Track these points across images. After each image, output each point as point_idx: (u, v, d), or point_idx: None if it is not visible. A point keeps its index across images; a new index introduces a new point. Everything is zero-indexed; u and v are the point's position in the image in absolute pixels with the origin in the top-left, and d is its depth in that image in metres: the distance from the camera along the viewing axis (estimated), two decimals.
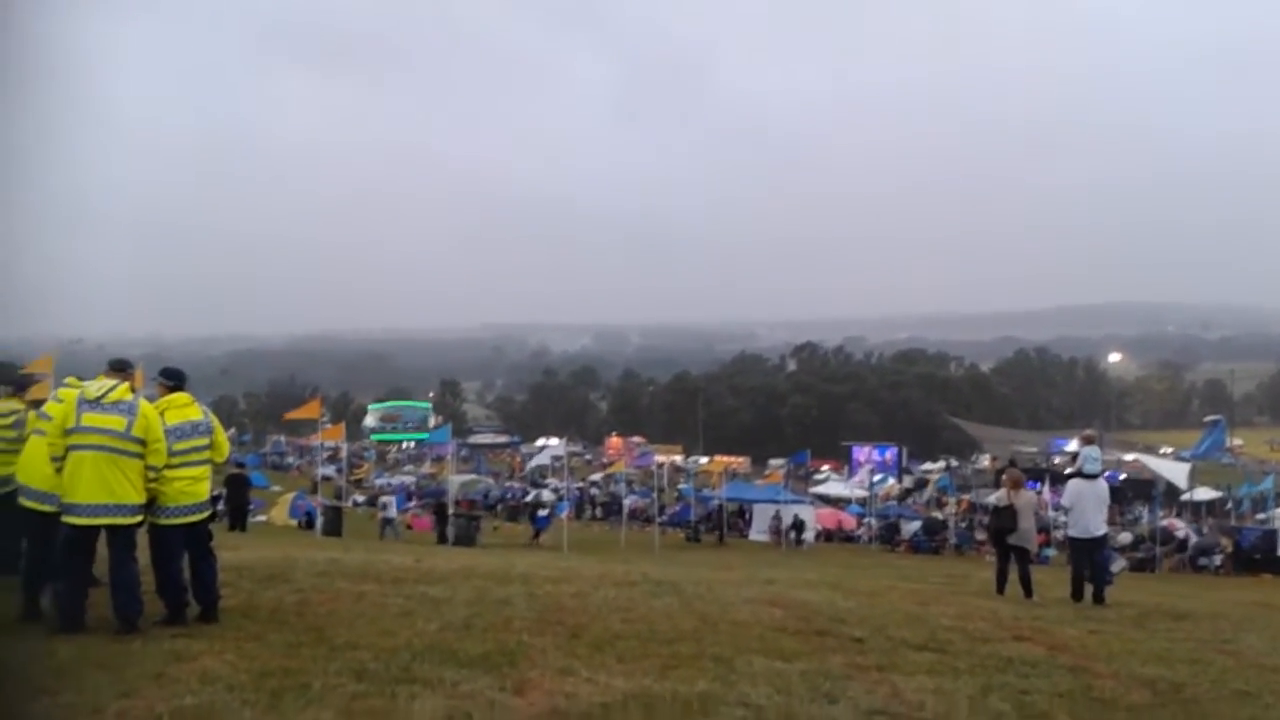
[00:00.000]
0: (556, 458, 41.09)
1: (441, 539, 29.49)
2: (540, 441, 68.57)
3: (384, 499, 35.29)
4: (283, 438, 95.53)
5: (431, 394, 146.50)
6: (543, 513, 36.76)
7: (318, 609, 8.35)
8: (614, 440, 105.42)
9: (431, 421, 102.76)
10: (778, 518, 40.00)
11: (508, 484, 58.40)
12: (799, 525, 38.87)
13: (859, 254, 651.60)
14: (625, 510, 41.27)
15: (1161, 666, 7.83)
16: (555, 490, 48.32)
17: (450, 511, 32.44)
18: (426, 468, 66.17)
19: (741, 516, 44.24)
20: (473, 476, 57.66)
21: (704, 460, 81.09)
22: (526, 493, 52.54)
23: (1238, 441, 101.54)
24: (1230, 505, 50.53)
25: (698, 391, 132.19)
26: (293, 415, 40.43)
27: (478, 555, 19.65)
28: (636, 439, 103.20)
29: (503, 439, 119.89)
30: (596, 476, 64.33)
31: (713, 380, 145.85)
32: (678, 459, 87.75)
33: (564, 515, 36.91)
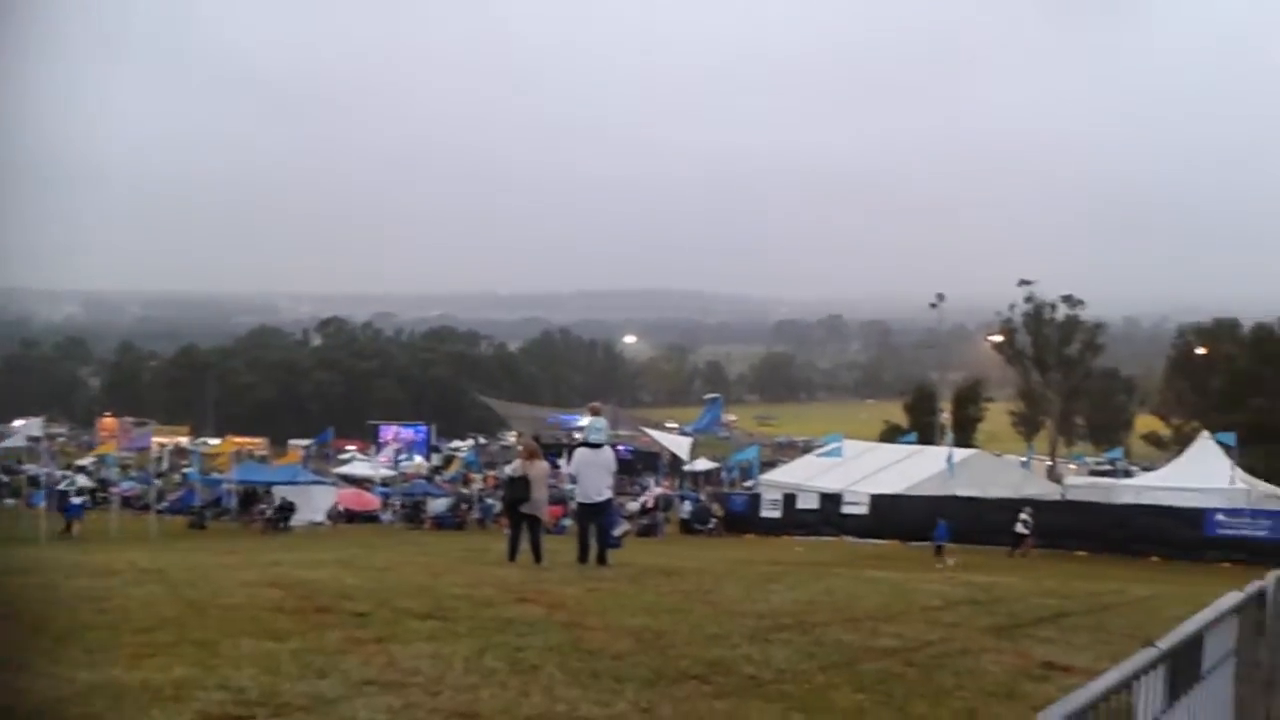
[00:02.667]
0: (33, 439, 36.19)
1: None
2: (18, 422, 60.05)
3: None
4: None
5: None
6: (76, 500, 32.69)
7: None
8: (107, 420, 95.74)
9: None
10: (268, 502, 37.94)
11: None
12: (286, 508, 36.93)
13: (391, 229, 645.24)
14: (117, 497, 37.48)
15: (647, 617, 8.36)
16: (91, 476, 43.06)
17: None
18: None
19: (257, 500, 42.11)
20: None
21: (214, 441, 76.21)
22: None
23: (732, 417, 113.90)
24: (724, 474, 56.30)
25: (208, 367, 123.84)
26: None
27: None
28: (134, 419, 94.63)
29: None
30: (85, 461, 58.14)
31: (226, 355, 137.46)
32: (183, 440, 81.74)
33: (41, 506, 32.64)
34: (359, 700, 5.32)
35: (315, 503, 39.15)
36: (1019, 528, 29.88)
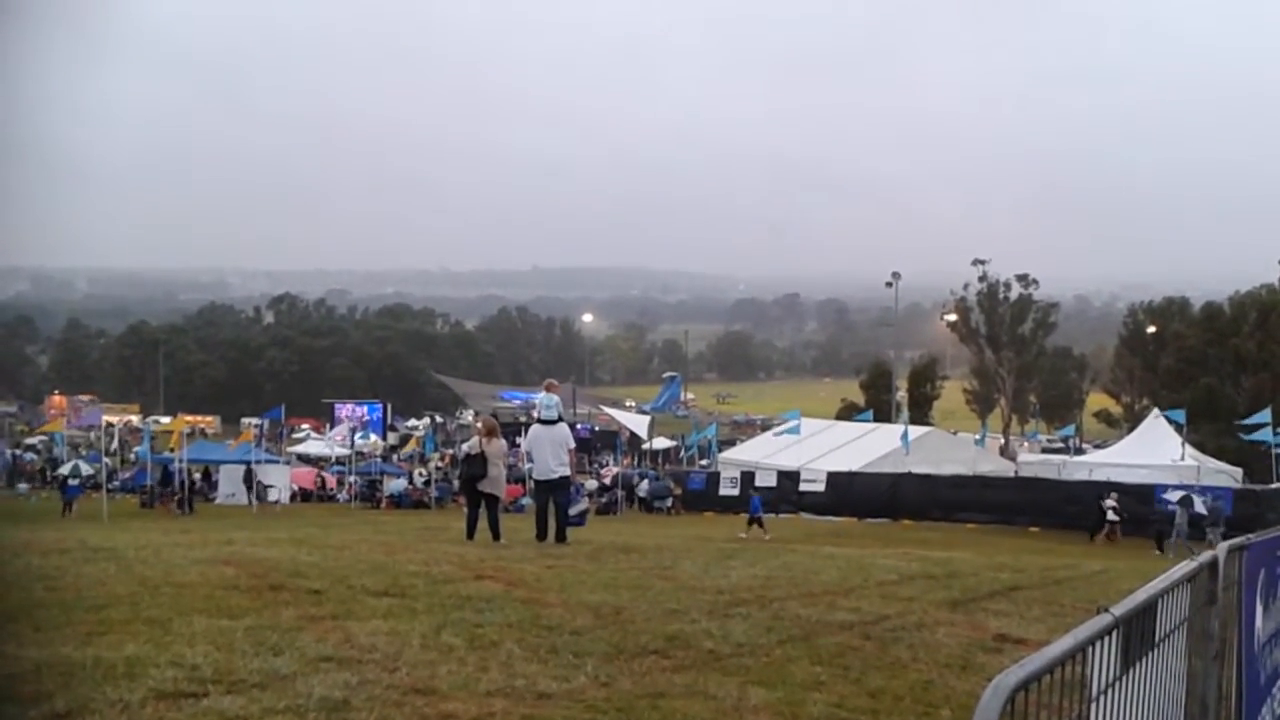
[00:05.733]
0: None
1: None
2: None
3: None
4: None
5: None
6: (74, 482, 32.47)
7: None
8: (56, 399, 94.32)
9: None
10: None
11: None
12: (191, 488, 35.94)
13: (343, 205, 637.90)
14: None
15: (607, 593, 8.35)
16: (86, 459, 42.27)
17: None
18: None
19: (207, 479, 41.60)
20: None
21: (165, 420, 75.31)
22: None
23: (691, 395, 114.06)
24: (683, 453, 56.41)
25: (158, 344, 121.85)
26: None
27: None
28: (84, 397, 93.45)
29: None
30: (34, 440, 57.28)
31: (176, 332, 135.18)
32: (133, 419, 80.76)
33: None
34: (315, 677, 5.26)
35: (272, 481, 38.80)
36: (1109, 514, 28.94)
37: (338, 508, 39.86)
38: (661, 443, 58.53)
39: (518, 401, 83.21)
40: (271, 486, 38.20)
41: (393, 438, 74.98)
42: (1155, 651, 2.99)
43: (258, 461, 39.26)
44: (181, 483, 35.55)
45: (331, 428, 75.62)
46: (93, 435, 47.92)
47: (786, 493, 37.23)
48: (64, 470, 35.94)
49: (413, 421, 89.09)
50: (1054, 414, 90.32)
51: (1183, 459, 33.62)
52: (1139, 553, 24.82)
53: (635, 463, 53.19)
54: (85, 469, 35.26)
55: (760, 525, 26.40)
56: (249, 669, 5.39)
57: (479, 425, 15.87)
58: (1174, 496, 28.17)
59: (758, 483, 38.40)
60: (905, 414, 49.99)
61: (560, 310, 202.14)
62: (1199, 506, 27.33)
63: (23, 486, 41.61)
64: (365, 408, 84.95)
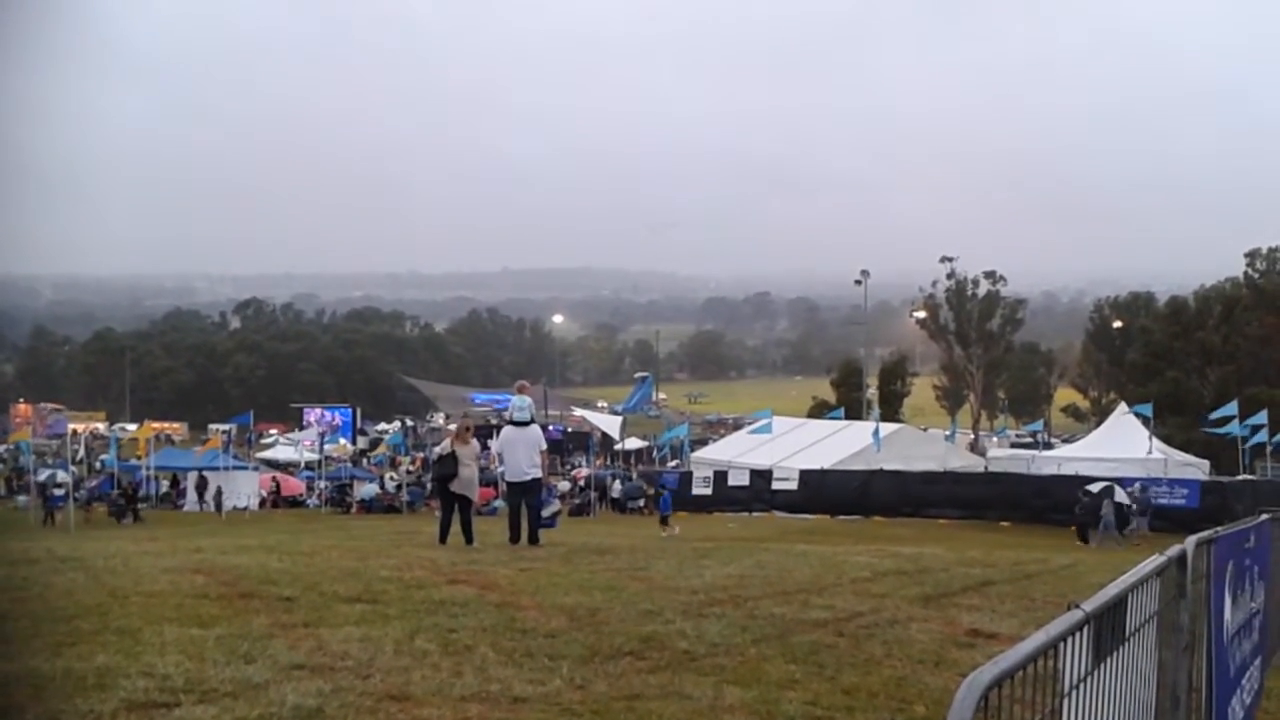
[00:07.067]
0: None
1: None
2: None
3: None
4: None
5: None
6: (58, 491, 32.16)
7: None
8: (22, 407, 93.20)
9: None
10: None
11: None
12: (131, 497, 35.64)
13: (311, 209, 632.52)
14: (34, 486, 36.49)
15: (581, 595, 8.33)
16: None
17: None
18: None
19: (175, 486, 41.20)
20: None
21: (132, 427, 74.58)
22: None
23: (662, 395, 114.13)
24: (655, 453, 56.38)
25: (123, 351, 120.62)
26: None
27: None
28: (50, 405, 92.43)
29: None
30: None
31: (142, 338, 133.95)
32: (100, 426, 79.89)
33: None
34: (287, 685, 5.22)
35: (240, 488, 38.49)
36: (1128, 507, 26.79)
37: (308, 513, 39.58)
38: (634, 443, 58.47)
39: (478, 402, 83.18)
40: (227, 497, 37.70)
41: (363, 442, 74.56)
42: (1126, 645, 3.01)
43: (226, 468, 38.93)
44: (124, 489, 35.11)
45: (301, 432, 75.09)
46: (55, 444, 47.19)
47: (759, 491, 37.31)
48: (40, 478, 35.54)
49: (383, 425, 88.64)
50: (1022, 409, 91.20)
51: (1151, 452, 34.00)
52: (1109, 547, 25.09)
53: (608, 463, 53.14)
54: (60, 477, 34.79)
55: (665, 524, 26.46)
56: (221, 678, 5.35)
57: (454, 427, 15.81)
58: (1095, 488, 28.36)
59: (730, 482, 38.52)
60: (876, 411, 50.27)
61: (531, 312, 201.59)
62: (1120, 496, 27.60)
63: (23, 499, 40.98)
64: (335, 412, 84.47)
